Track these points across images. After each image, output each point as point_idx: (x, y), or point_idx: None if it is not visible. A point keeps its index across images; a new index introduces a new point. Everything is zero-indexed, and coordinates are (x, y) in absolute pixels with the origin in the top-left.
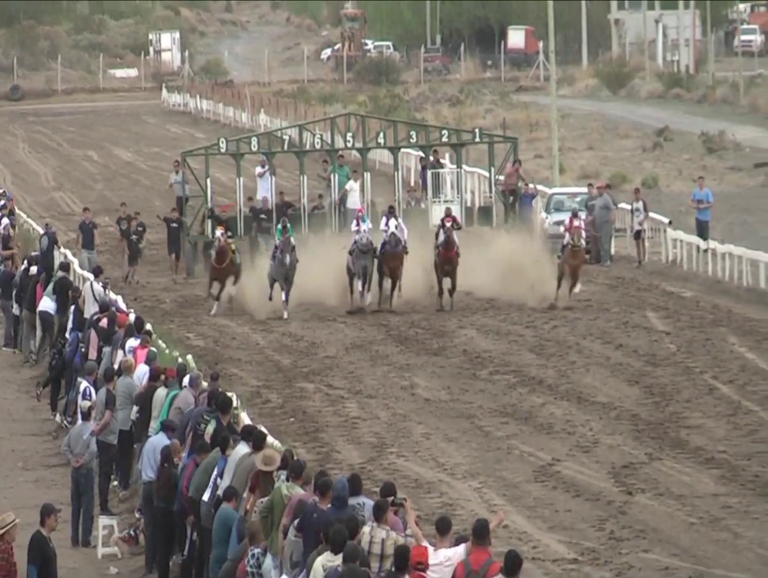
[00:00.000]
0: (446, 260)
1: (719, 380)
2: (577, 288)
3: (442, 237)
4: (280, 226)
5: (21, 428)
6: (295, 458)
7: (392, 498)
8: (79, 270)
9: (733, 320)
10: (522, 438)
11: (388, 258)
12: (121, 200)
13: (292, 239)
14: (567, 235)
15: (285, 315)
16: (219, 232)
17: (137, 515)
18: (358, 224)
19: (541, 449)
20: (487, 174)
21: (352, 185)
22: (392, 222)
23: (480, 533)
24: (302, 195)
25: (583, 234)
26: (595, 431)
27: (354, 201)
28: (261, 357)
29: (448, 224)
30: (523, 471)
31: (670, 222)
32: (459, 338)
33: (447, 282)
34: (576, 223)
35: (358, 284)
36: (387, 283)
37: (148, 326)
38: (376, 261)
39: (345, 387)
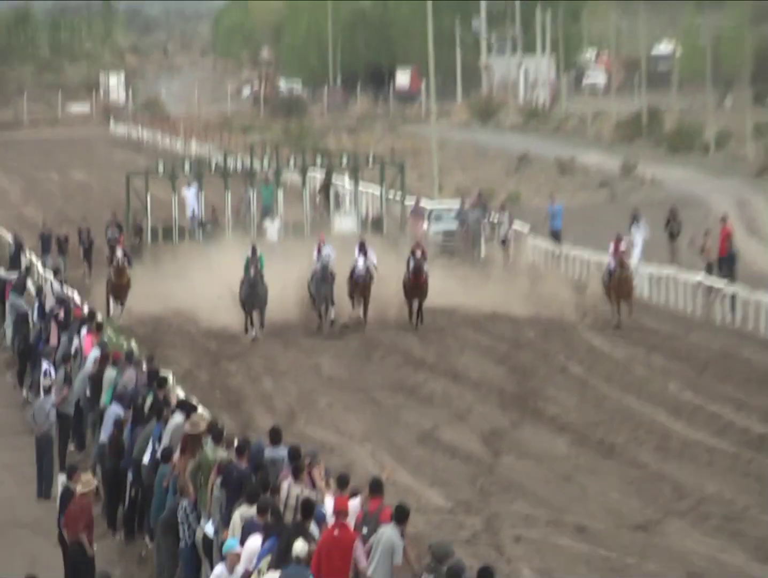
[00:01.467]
0: (415, 285)
1: (570, 361)
2: (627, 307)
3: (412, 264)
4: (249, 254)
5: None
6: (219, 425)
7: (308, 459)
8: (41, 271)
9: (581, 311)
10: (408, 408)
11: (360, 288)
12: (76, 214)
13: (262, 267)
14: (612, 260)
15: (256, 335)
16: (119, 252)
17: (89, 472)
18: (319, 252)
19: (423, 417)
20: (377, 191)
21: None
22: (365, 255)
23: (374, 487)
24: (226, 209)
25: (628, 265)
26: (468, 403)
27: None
28: (192, 343)
29: (419, 255)
30: (409, 436)
31: (530, 230)
32: (357, 331)
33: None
34: (622, 248)
35: (321, 309)
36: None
37: (99, 318)
38: (353, 284)
39: (262, 367)
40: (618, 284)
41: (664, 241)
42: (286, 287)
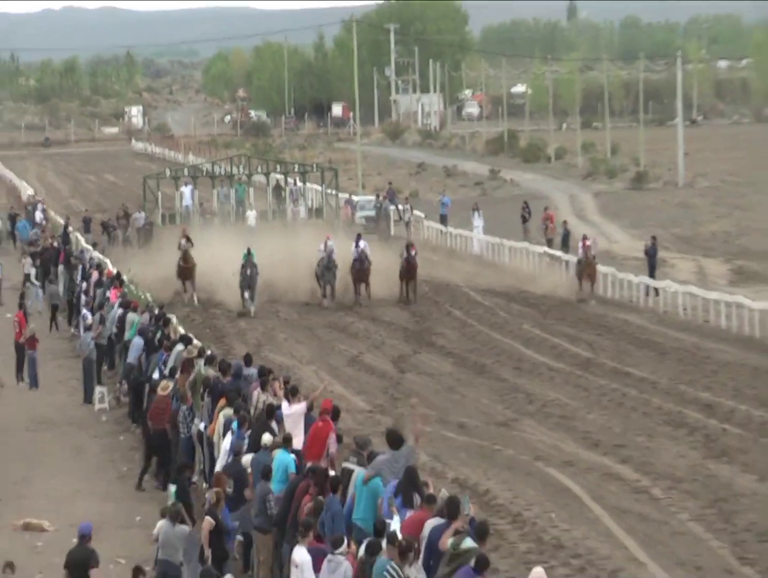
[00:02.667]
0: (408, 271)
1: (453, 308)
2: (591, 288)
3: (405, 255)
4: (245, 252)
5: (50, 336)
6: (208, 351)
7: (271, 376)
8: (84, 245)
9: (463, 272)
10: (340, 340)
11: (360, 272)
12: (108, 204)
13: (254, 259)
14: (581, 251)
15: (252, 312)
16: (183, 240)
17: (118, 385)
18: (325, 245)
19: (351, 347)
20: (319, 189)
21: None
22: (362, 243)
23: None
24: (213, 201)
25: (593, 251)
26: (382, 337)
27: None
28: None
29: (413, 251)
30: (341, 360)
31: (425, 216)
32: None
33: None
34: (588, 242)
35: (325, 288)
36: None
37: (124, 277)
38: (354, 272)
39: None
40: (586, 268)
41: (519, 224)
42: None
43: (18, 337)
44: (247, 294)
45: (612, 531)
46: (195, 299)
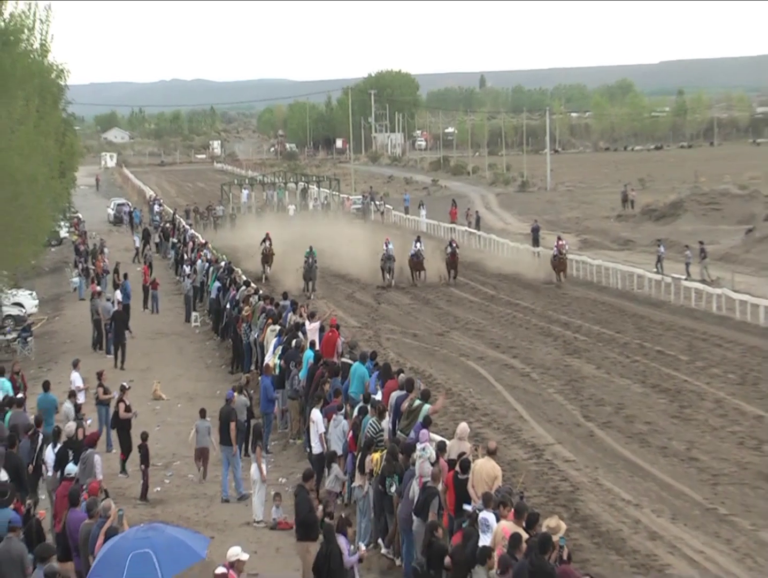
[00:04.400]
0: (452, 262)
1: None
2: (563, 277)
3: (449, 250)
4: (308, 249)
5: (164, 282)
6: (260, 291)
7: (299, 304)
8: (184, 225)
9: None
10: (341, 285)
11: (416, 263)
12: (200, 201)
13: (315, 255)
14: (555, 249)
15: (312, 297)
16: (267, 242)
17: (206, 312)
18: (386, 244)
19: (348, 288)
20: (328, 191)
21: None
22: (418, 244)
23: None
24: (266, 200)
25: (566, 248)
26: (363, 284)
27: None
28: (251, 258)
29: (454, 245)
30: (341, 295)
31: (393, 208)
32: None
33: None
34: (561, 242)
35: (386, 274)
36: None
37: (209, 244)
38: (409, 262)
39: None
40: (559, 263)
41: (449, 213)
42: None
43: (145, 281)
44: (310, 285)
45: (507, 399)
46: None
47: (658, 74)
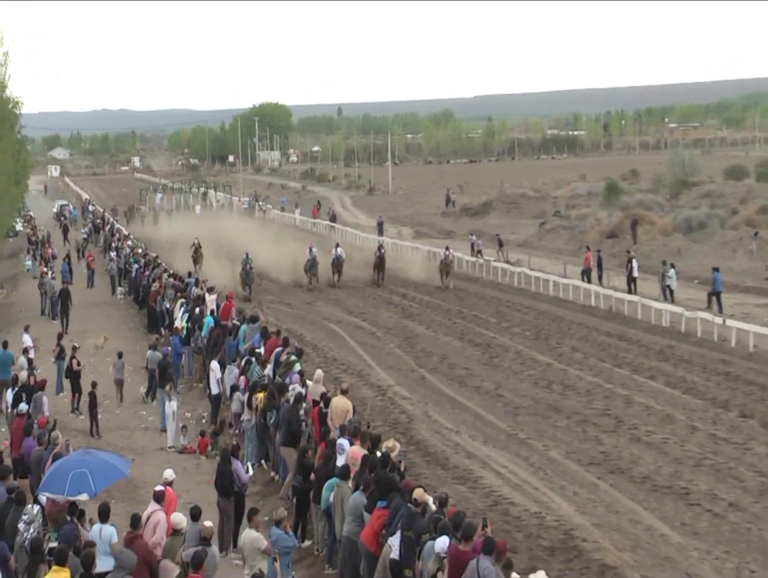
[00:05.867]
0: (380, 265)
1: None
2: (450, 281)
3: (378, 253)
4: (244, 256)
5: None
6: (170, 270)
7: (201, 282)
8: (112, 221)
9: (293, 233)
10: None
11: (337, 266)
12: (124, 202)
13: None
14: (443, 255)
15: (251, 299)
16: (196, 241)
17: (127, 287)
18: (311, 249)
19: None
20: (223, 195)
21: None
22: (339, 249)
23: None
24: (173, 202)
25: (451, 256)
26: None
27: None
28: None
29: (382, 251)
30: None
31: (272, 207)
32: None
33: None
34: (447, 252)
35: (312, 279)
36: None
37: (131, 236)
38: (332, 265)
39: None
40: (445, 267)
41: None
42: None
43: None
44: (248, 289)
45: (358, 352)
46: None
47: (472, 105)
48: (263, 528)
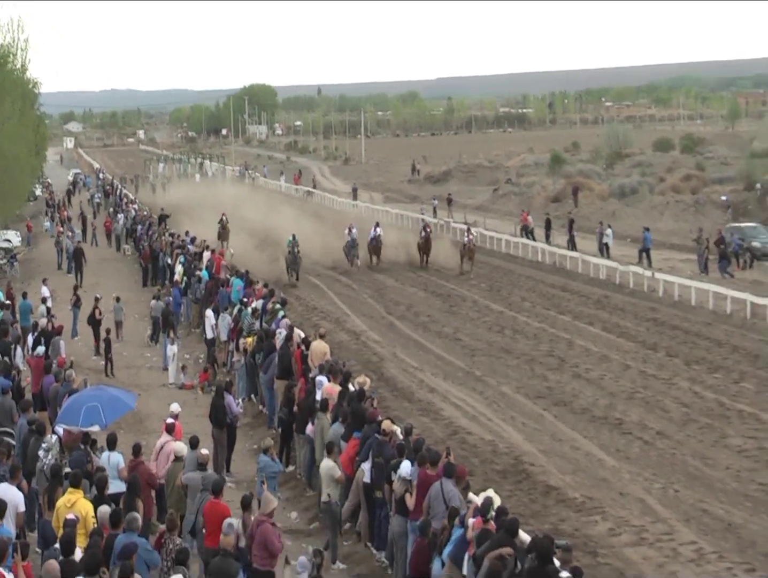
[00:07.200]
0: (425, 245)
1: (284, 205)
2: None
3: (423, 234)
4: (290, 238)
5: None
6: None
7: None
8: (120, 187)
9: (282, 197)
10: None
11: (374, 248)
12: (130, 171)
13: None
14: (466, 238)
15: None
16: (224, 217)
17: (132, 243)
18: (350, 231)
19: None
20: (218, 164)
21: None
22: (378, 229)
23: (220, 253)
24: (174, 170)
25: (473, 239)
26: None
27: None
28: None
29: (428, 230)
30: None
31: (260, 175)
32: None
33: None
34: (471, 237)
35: (355, 260)
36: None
37: (137, 201)
38: (368, 247)
39: None
40: (467, 252)
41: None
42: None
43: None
44: (293, 276)
45: (336, 301)
46: (231, 251)
47: (435, 86)
48: (252, 456)
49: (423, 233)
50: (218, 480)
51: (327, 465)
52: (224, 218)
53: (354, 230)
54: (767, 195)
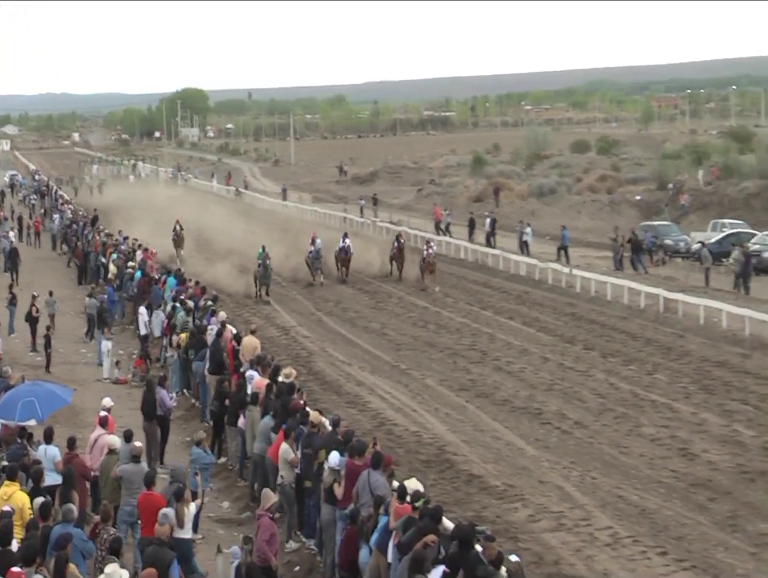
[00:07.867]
0: (345, 260)
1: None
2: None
3: (396, 244)
4: (260, 250)
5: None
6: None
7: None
8: (56, 188)
9: (219, 197)
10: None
11: (343, 259)
12: (66, 173)
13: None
14: (425, 252)
15: (269, 300)
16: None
17: (64, 244)
18: (313, 242)
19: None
20: (151, 166)
21: None
22: (347, 240)
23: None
24: (107, 171)
25: (432, 252)
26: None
27: None
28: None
29: (402, 240)
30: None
31: (193, 176)
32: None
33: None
34: (430, 251)
35: (317, 272)
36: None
37: (72, 201)
38: (336, 258)
39: None
40: (427, 265)
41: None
42: None
43: (37, 229)
44: (263, 290)
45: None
46: (182, 256)
47: (362, 90)
48: (185, 448)
49: (396, 244)
50: (150, 472)
51: (283, 448)
52: (178, 225)
53: (318, 241)
54: (678, 195)
